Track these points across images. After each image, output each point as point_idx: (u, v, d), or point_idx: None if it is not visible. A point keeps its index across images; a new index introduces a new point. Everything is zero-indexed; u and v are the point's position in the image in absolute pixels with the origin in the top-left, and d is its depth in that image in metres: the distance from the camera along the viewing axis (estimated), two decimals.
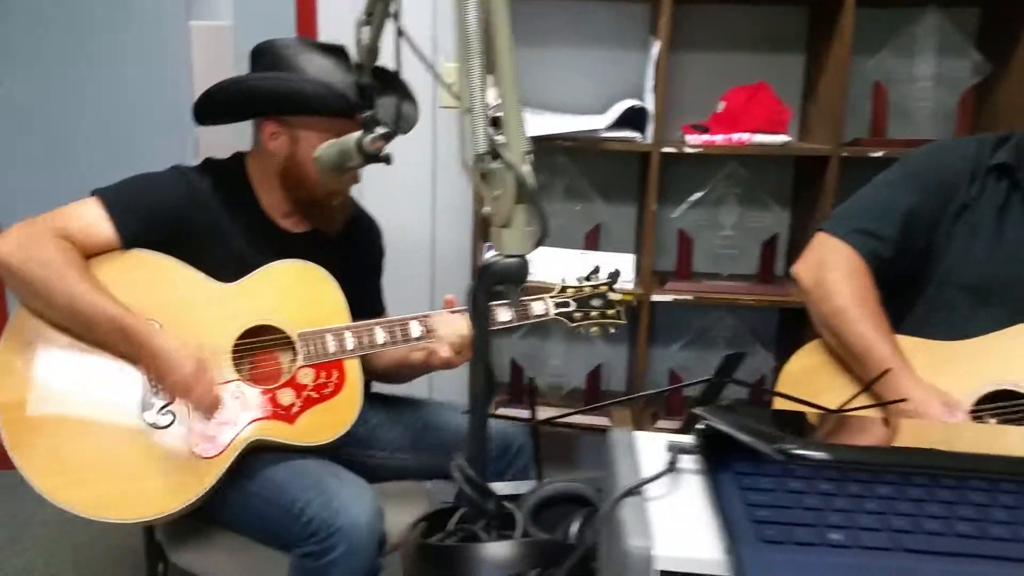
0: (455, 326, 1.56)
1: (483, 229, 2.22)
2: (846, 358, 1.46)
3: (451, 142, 2.43)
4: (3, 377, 1.36)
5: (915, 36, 2.20)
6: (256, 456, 1.47)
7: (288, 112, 1.51)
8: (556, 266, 2.22)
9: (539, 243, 0.82)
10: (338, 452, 1.55)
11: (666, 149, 2.12)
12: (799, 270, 1.54)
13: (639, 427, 2.27)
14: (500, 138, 0.81)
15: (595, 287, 1.69)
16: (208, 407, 1.41)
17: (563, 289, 1.68)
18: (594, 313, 1.68)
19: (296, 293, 1.54)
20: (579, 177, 2.38)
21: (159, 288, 1.44)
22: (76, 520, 1.32)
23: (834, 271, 1.46)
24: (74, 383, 1.38)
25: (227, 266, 1.50)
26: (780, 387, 1.51)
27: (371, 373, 1.68)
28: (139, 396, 1.40)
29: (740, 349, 2.44)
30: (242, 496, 1.46)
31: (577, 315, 1.67)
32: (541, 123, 2.15)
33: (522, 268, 0.81)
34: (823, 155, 2.12)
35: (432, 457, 1.70)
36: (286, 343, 1.53)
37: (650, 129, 2.13)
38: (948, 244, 1.46)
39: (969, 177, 1.45)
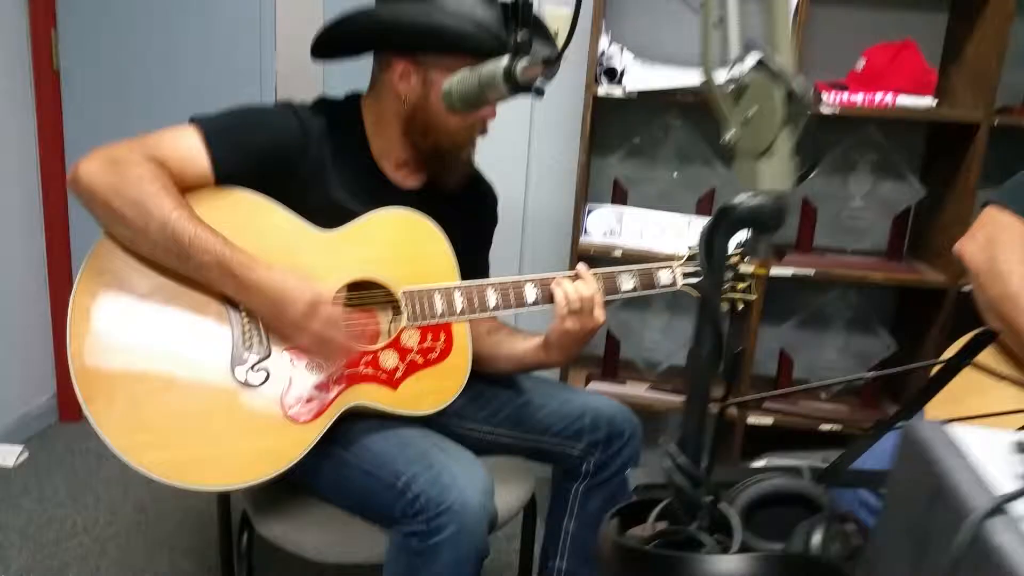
0: (576, 289, 1.37)
1: (584, 193, 2.04)
2: (1017, 349, 1.31)
3: (547, 101, 2.24)
4: (79, 322, 1.20)
5: None
6: (351, 423, 1.32)
7: (425, 50, 1.33)
8: (666, 234, 2.04)
9: (804, 179, 0.63)
10: (435, 422, 1.39)
11: None
12: (965, 249, 1.40)
13: (741, 414, 2.09)
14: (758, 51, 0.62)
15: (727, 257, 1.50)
16: (332, 350, 1.26)
17: (692, 257, 1.49)
18: (725, 285, 1.49)
19: (403, 247, 1.38)
20: (692, 137, 2.18)
21: (255, 231, 1.28)
22: (142, 479, 1.17)
23: (1007, 251, 1.33)
24: (158, 332, 1.23)
25: (325, 214, 1.33)
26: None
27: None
28: (229, 350, 1.25)
29: (860, 330, 2.26)
30: (337, 466, 1.32)
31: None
32: (654, 76, 1.95)
33: (779, 211, 0.63)
34: (972, 123, 1.89)
35: (532, 436, 1.53)
36: (386, 300, 1.37)
37: None
38: None
39: None
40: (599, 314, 1.37)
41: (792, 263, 1.99)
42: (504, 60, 1.04)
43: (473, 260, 1.48)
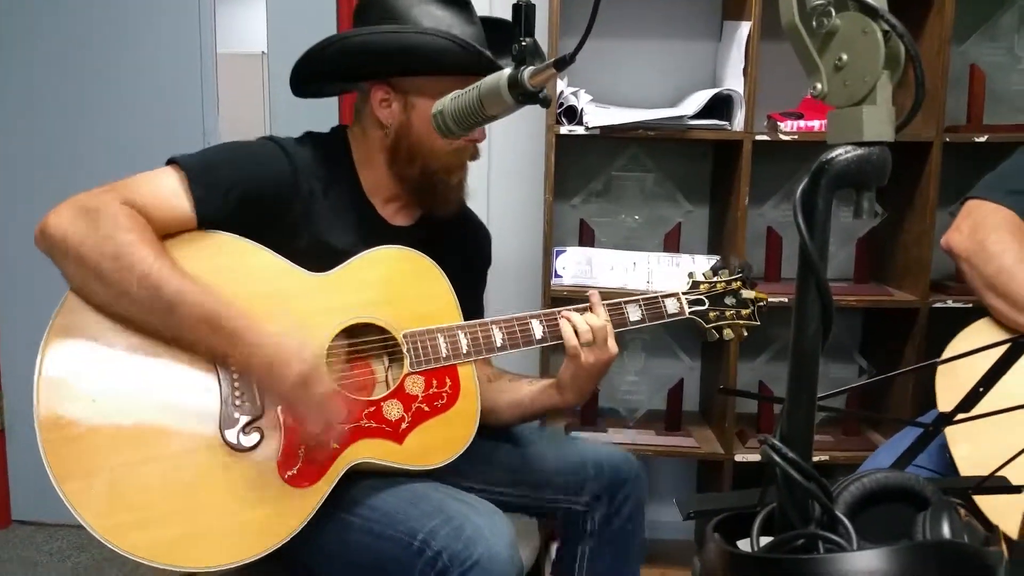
0: (584, 321, 1.31)
1: (550, 235, 2.00)
2: (1013, 318, 1.36)
3: (504, 144, 2.22)
4: (49, 388, 1.07)
5: (1008, 20, 2.07)
6: (354, 483, 1.21)
7: (403, 72, 1.28)
8: (638, 271, 2.01)
9: (908, 121, 0.60)
10: (440, 481, 1.28)
11: (760, 137, 1.94)
12: (952, 239, 1.46)
13: (727, 449, 2.04)
14: None
15: (728, 283, 1.48)
16: (330, 416, 1.15)
17: (695, 284, 1.46)
18: (729, 312, 1.46)
19: (400, 286, 1.29)
20: (656, 175, 2.19)
21: (242, 277, 1.18)
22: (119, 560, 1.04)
23: (995, 232, 1.40)
24: (138, 396, 1.10)
25: (316, 256, 1.25)
26: (945, 375, 1.37)
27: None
28: (218, 409, 1.13)
29: (834, 356, 2.26)
30: (342, 532, 1.20)
31: (712, 315, 1.44)
32: (614, 115, 1.95)
33: (884, 161, 0.59)
34: (924, 141, 1.95)
35: (533, 493, 1.44)
36: (383, 346, 1.28)
37: (739, 117, 1.94)
38: None
39: None
40: (612, 344, 1.32)
41: (765, 293, 1.98)
42: (507, 69, 0.99)
43: (468, 301, 1.40)
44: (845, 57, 0.58)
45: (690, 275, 1.46)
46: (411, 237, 1.34)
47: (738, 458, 2.04)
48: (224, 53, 2.40)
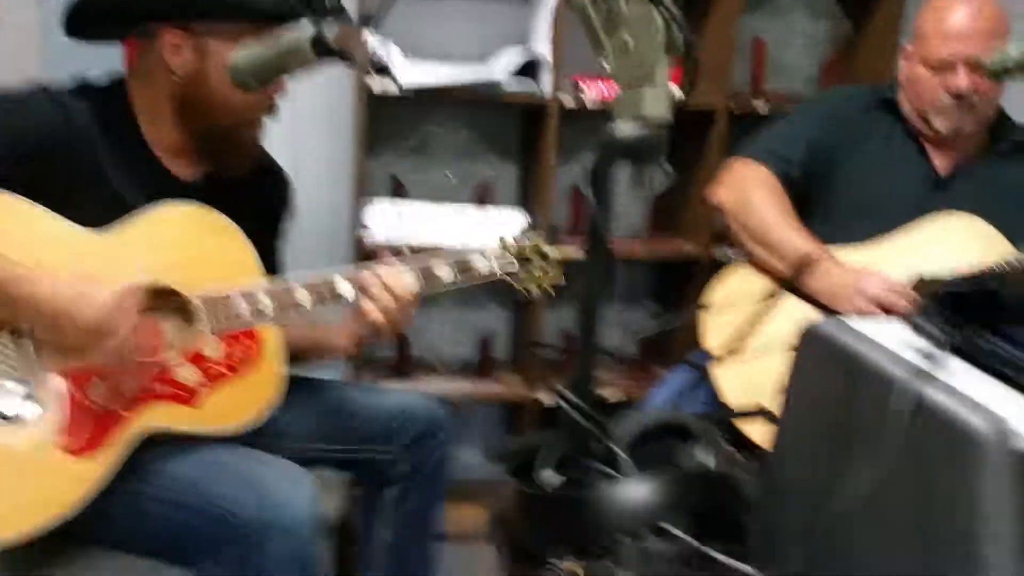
0: (394, 282, 1.31)
1: (360, 190, 1.98)
2: (773, 265, 1.51)
3: (310, 95, 2.14)
4: None
5: None
6: (149, 451, 1.16)
7: (198, 15, 1.19)
8: (450, 226, 2.04)
9: (682, 103, 0.66)
10: (245, 443, 1.26)
11: (565, 101, 2.01)
12: (720, 194, 1.61)
13: (533, 393, 2.14)
14: None
15: (535, 243, 1.53)
16: (136, 362, 1.10)
17: (504, 247, 1.50)
18: (537, 272, 1.52)
19: (194, 247, 1.22)
20: (468, 133, 2.21)
21: (20, 241, 1.07)
22: None
23: (756, 188, 1.55)
24: None
25: (102, 213, 1.16)
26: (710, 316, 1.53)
27: None
28: None
29: (629, 304, 2.42)
30: (136, 504, 1.15)
31: (521, 274, 1.49)
32: (424, 72, 1.95)
33: (660, 138, 0.64)
34: (711, 109, 2.11)
35: (340, 446, 1.45)
36: (178, 309, 1.22)
37: (546, 80, 2.00)
38: (848, 169, 1.59)
39: (863, 111, 1.62)
40: (411, 317, 1.33)
41: (570, 251, 2.07)
42: (310, 25, 0.97)
43: (266, 253, 1.36)
44: (629, 40, 0.63)
45: (500, 238, 1.51)
46: (203, 191, 1.28)
47: (543, 401, 2.15)
48: None
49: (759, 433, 1.20)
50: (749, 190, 1.55)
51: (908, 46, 1.57)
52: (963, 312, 0.57)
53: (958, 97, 1.46)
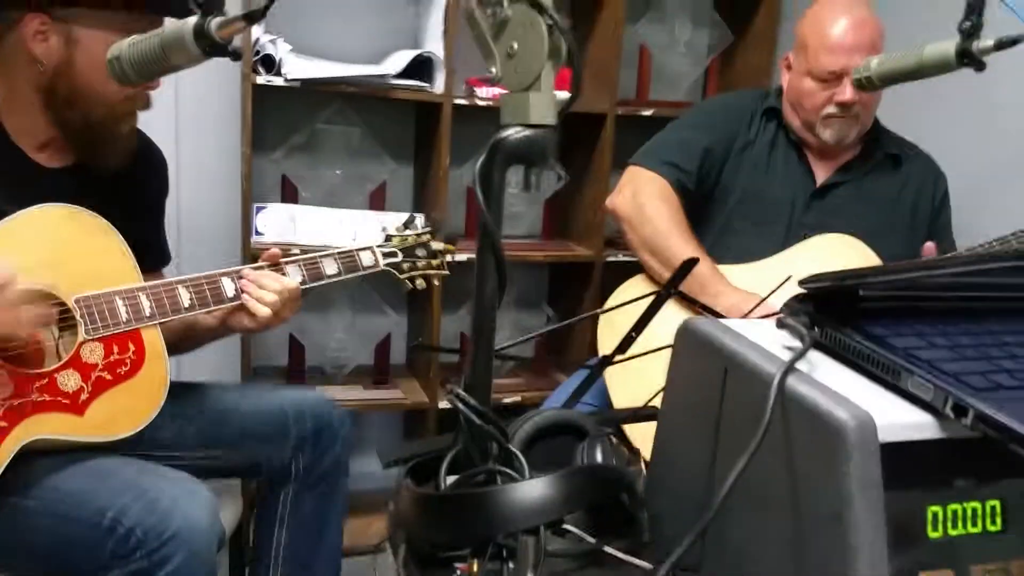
0: (269, 282, 1.30)
1: (250, 191, 1.93)
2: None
3: (193, 91, 2.07)
4: None
5: (671, 3, 2.33)
6: (28, 464, 1.10)
7: (64, 2, 1.13)
8: (343, 229, 2.01)
9: (566, 110, 0.67)
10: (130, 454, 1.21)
11: (458, 101, 2.01)
12: (615, 201, 1.62)
13: (432, 397, 2.14)
14: None
15: (418, 236, 1.54)
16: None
17: (388, 238, 1.51)
18: (421, 263, 1.53)
19: (66, 247, 1.17)
20: (360, 131, 2.18)
21: None
22: None
23: (651, 199, 1.56)
24: None
25: None
26: (605, 323, 1.55)
27: None
28: None
29: (530, 307, 2.45)
30: (18, 518, 1.09)
31: (405, 265, 1.50)
32: (315, 67, 1.91)
33: (547, 141, 0.66)
34: (600, 113, 2.17)
35: (233, 450, 1.40)
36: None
37: (440, 80, 2.00)
38: (735, 177, 1.63)
39: (749, 119, 1.64)
40: (294, 308, 1.32)
41: (464, 250, 2.09)
42: (192, 18, 0.94)
43: (147, 237, 1.31)
44: (516, 46, 0.64)
45: (383, 229, 1.51)
46: (72, 180, 1.23)
47: (442, 406, 2.15)
48: None
49: (641, 436, 1.23)
50: (644, 201, 1.56)
51: (791, 56, 1.61)
52: (826, 311, 0.61)
53: (844, 108, 1.51)
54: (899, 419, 0.51)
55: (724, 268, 1.53)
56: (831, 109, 1.52)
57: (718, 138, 1.61)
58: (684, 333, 0.64)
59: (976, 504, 0.52)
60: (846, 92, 1.48)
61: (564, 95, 0.68)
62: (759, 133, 1.64)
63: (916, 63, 0.92)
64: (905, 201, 1.62)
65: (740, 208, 1.62)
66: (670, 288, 0.98)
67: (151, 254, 1.34)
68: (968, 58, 0.85)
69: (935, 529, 0.51)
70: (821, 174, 1.62)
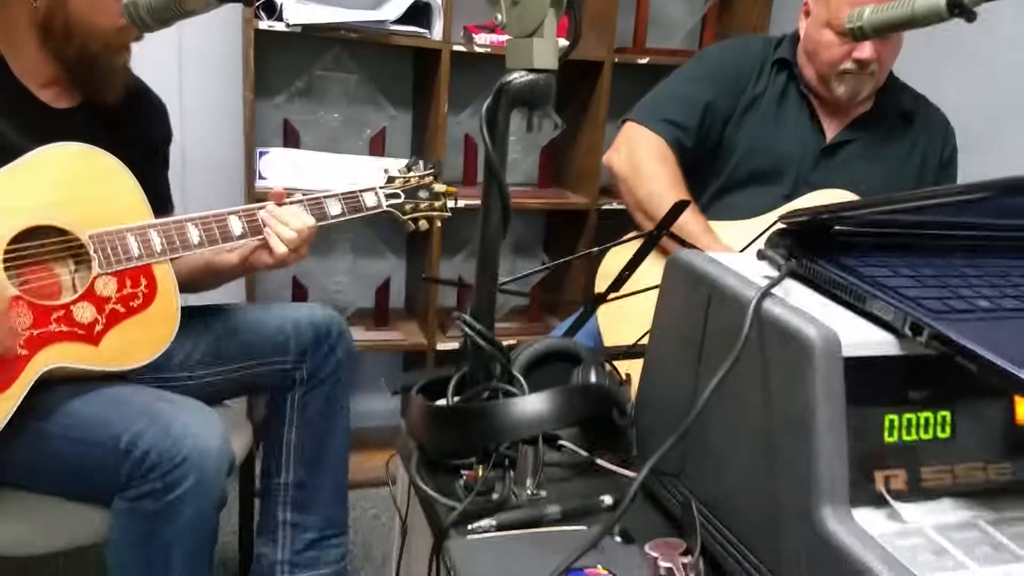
0: (290, 219, 1.35)
1: (252, 134, 1.96)
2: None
3: (198, 34, 2.09)
4: None
5: None
6: (48, 391, 1.16)
7: None
8: (345, 175, 2.05)
9: (567, 55, 0.72)
10: (143, 381, 1.27)
11: (457, 47, 2.04)
12: (612, 159, 1.59)
13: (430, 339, 2.20)
14: None
15: (421, 177, 1.58)
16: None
17: (391, 179, 1.54)
18: (423, 204, 1.57)
19: (81, 186, 1.22)
20: (360, 77, 2.20)
21: None
22: None
23: (647, 158, 1.53)
24: None
25: None
26: (601, 276, 1.54)
27: None
28: None
29: (527, 253, 2.51)
30: (37, 442, 1.15)
31: (407, 207, 1.54)
32: (316, 12, 1.93)
33: (549, 86, 0.71)
34: (597, 61, 2.19)
35: (238, 367, 1.46)
36: (67, 249, 1.21)
37: (438, 26, 2.02)
38: (739, 133, 1.57)
39: (758, 72, 1.58)
40: (307, 245, 1.36)
41: (462, 196, 2.13)
42: None
43: (150, 182, 1.36)
44: None
45: (386, 171, 1.54)
46: (78, 120, 1.27)
47: (439, 347, 2.22)
48: None
49: (631, 369, 1.29)
50: (641, 162, 1.52)
51: (810, 2, 1.52)
52: (801, 243, 0.66)
53: (862, 65, 1.46)
54: (862, 337, 0.57)
55: (716, 224, 1.51)
56: (848, 65, 1.46)
57: (722, 93, 1.55)
58: (673, 264, 0.70)
59: (928, 414, 0.58)
60: (866, 49, 1.43)
61: (563, 42, 0.72)
62: (768, 85, 1.57)
63: (908, 13, 0.94)
64: (913, 163, 1.59)
65: (744, 164, 1.57)
66: (661, 229, 1.03)
67: (154, 200, 1.38)
68: (959, 8, 0.87)
69: (891, 435, 0.57)
70: (831, 131, 1.57)
